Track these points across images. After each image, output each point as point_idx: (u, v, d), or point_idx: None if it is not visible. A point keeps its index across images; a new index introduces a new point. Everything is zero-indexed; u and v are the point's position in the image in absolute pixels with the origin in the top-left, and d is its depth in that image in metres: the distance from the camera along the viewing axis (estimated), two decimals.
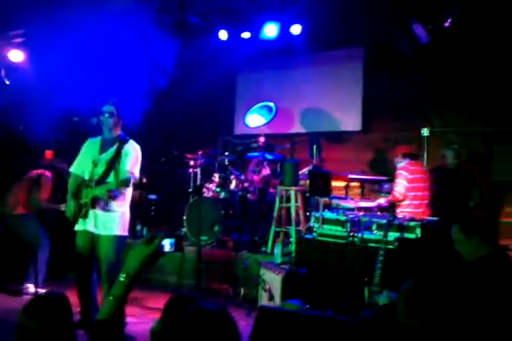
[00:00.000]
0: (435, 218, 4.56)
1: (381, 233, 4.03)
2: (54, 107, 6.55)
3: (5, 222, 5.22)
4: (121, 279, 1.57)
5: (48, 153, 6.42)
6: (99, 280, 3.84)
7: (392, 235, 4.06)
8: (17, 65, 7.17)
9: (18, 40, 7.11)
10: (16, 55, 7.09)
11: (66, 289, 3.84)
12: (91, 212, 3.73)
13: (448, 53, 5.90)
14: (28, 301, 1.91)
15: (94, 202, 3.69)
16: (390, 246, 3.98)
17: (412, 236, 4.07)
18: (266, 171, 6.16)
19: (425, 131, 6.00)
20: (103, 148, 3.85)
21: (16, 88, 7.18)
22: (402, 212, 4.75)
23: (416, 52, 5.69)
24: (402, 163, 5.00)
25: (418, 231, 4.05)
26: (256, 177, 6.06)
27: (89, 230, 3.77)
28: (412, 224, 4.11)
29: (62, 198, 4.58)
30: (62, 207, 4.49)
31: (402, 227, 4.09)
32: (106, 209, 3.73)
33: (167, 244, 1.63)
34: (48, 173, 5.18)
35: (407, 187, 4.83)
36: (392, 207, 5.02)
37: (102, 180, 3.71)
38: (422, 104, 6.35)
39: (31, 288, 4.82)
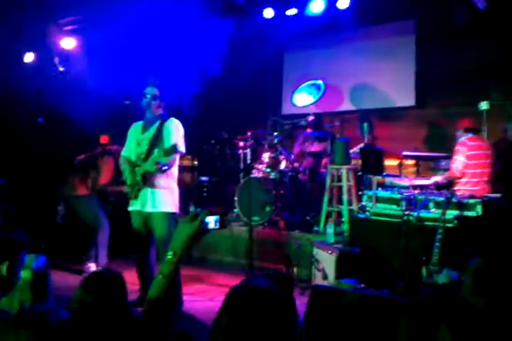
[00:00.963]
0: (497, 195, 4.34)
1: (439, 211, 3.90)
2: (107, 92, 6.72)
3: (68, 203, 5.46)
4: (169, 257, 1.58)
5: (104, 138, 6.60)
6: (157, 258, 3.93)
7: (451, 213, 3.91)
8: (70, 52, 7.37)
9: (70, 27, 7.28)
10: (68, 43, 7.28)
11: (127, 269, 3.99)
12: (142, 191, 3.79)
13: (507, 20, 5.52)
14: (85, 277, 1.99)
15: (145, 179, 3.75)
16: (449, 225, 3.84)
17: (472, 213, 3.90)
18: (315, 148, 6.08)
19: (484, 105, 5.69)
20: (145, 128, 3.92)
21: (70, 75, 7.40)
22: (460, 189, 4.57)
23: (472, 21, 5.38)
24: (462, 138, 4.79)
25: (479, 208, 3.88)
26: (305, 156, 6.00)
27: (141, 210, 3.85)
28: (472, 201, 3.94)
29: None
30: (124, 189, 4.62)
31: (461, 205, 3.93)
32: (156, 186, 3.78)
33: (212, 221, 1.64)
34: (106, 156, 5.33)
35: (466, 164, 4.63)
36: (450, 184, 4.85)
37: (146, 157, 3.77)
38: (480, 77, 6.00)
39: (93, 267, 5.02)
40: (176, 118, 3.99)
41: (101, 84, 7.01)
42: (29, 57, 7.46)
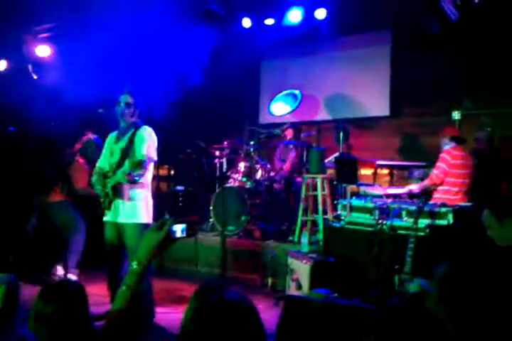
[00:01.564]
0: (467, 204, 4.39)
1: (411, 220, 3.91)
2: (82, 101, 6.63)
3: (42, 212, 5.34)
4: (134, 267, 1.54)
5: (78, 145, 6.50)
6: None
7: (423, 222, 3.93)
8: (44, 60, 7.27)
9: (45, 35, 7.20)
10: (43, 50, 7.19)
11: (99, 280, 3.89)
12: (114, 202, 3.73)
13: (479, 31, 5.65)
14: (44, 286, 1.92)
15: (116, 191, 3.69)
16: (421, 233, 3.86)
17: (443, 222, 3.93)
18: (292, 157, 6.09)
19: (456, 114, 5.77)
20: (118, 138, 3.86)
21: (44, 83, 7.29)
22: (440, 198, 4.58)
23: (445, 31, 5.47)
24: (446, 146, 4.83)
25: (450, 217, 3.91)
26: (285, 166, 5.99)
27: (114, 220, 3.78)
28: (444, 210, 3.97)
29: None
30: None
31: (433, 213, 3.96)
32: (127, 197, 3.72)
33: (178, 229, 1.60)
34: (80, 160, 5.25)
35: (447, 172, 4.67)
36: (424, 193, 4.87)
37: (117, 167, 3.72)
38: (453, 86, 6.11)
39: (60, 270, 4.91)
40: (152, 127, 3.94)
41: (76, 93, 6.93)
42: (1, 65, 7.34)
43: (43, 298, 1.83)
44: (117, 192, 3.69)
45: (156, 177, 4.22)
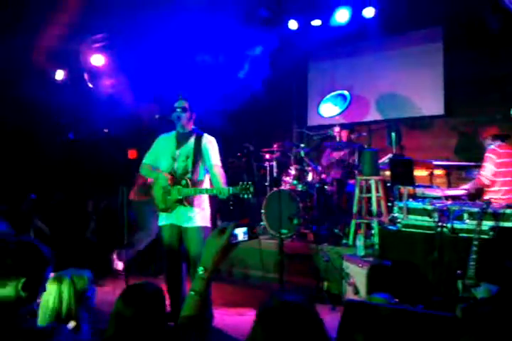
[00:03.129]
0: None
1: (473, 222, 3.75)
2: (137, 108, 6.81)
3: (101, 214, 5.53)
4: (200, 273, 1.56)
5: (132, 152, 6.67)
6: (187, 273, 3.89)
7: (486, 224, 3.76)
8: (99, 68, 7.52)
9: (100, 44, 7.44)
10: (98, 59, 7.43)
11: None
12: (179, 207, 3.76)
13: None
14: (125, 289, 1.95)
15: (188, 198, 3.73)
16: (485, 236, 3.69)
17: (509, 224, 3.75)
18: (342, 157, 6.00)
19: None
20: (179, 143, 3.87)
21: (99, 91, 7.54)
22: (491, 198, 4.41)
23: (504, 27, 5.24)
24: (491, 146, 4.66)
25: None
26: (333, 168, 5.91)
27: (175, 223, 3.82)
28: (509, 211, 3.78)
29: None
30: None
31: (497, 215, 3.78)
32: (193, 203, 3.77)
33: (240, 233, 1.61)
34: None
35: (496, 172, 4.48)
36: (479, 193, 4.70)
37: (185, 173, 3.76)
38: (509, 84, 5.85)
39: (120, 265, 5.05)
40: (201, 128, 3.99)
41: (131, 100, 7.13)
42: (59, 74, 7.63)
43: (124, 300, 1.85)
44: (189, 199, 3.74)
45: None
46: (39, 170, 7.30)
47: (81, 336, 2.27)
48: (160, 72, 6.99)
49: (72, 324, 2.33)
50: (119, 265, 5.01)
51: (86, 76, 7.41)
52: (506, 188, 4.54)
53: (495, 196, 4.50)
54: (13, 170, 7.15)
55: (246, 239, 1.63)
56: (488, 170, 4.54)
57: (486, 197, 4.51)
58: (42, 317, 2.27)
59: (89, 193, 6.65)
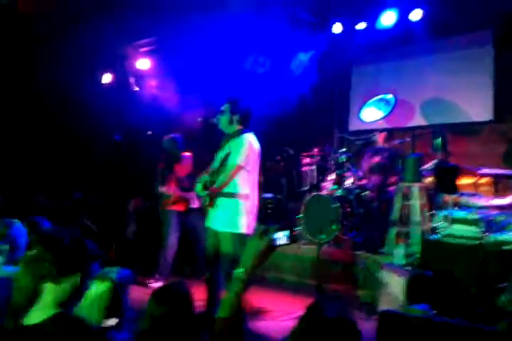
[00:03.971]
0: None
1: None
2: (183, 111, 6.91)
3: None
4: (239, 274, 1.56)
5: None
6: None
7: None
8: (145, 72, 7.70)
9: (146, 48, 7.63)
10: (144, 63, 7.61)
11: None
12: (210, 210, 3.77)
13: None
14: (157, 289, 1.97)
15: (211, 199, 3.73)
16: None
17: None
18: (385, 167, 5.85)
19: None
20: (221, 146, 3.87)
21: (145, 94, 7.72)
22: None
23: None
24: None
25: None
26: (373, 174, 5.78)
27: (212, 227, 3.79)
28: None
29: None
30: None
31: None
32: (222, 206, 3.72)
33: (281, 236, 1.60)
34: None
35: None
36: None
37: (214, 176, 3.75)
38: None
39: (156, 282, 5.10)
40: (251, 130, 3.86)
41: (176, 103, 7.25)
42: (107, 78, 7.86)
43: (157, 299, 1.88)
44: (211, 200, 3.74)
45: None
46: (86, 170, 7.55)
47: (122, 334, 2.29)
48: (207, 75, 7.08)
49: (113, 321, 2.35)
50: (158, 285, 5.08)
51: (132, 79, 7.61)
52: None
53: None
54: (61, 170, 7.43)
55: (288, 242, 1.63)
56: None
57: None
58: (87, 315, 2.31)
59: (132, 194, 6.80)
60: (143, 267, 5.42)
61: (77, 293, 1.68)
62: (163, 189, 5.19)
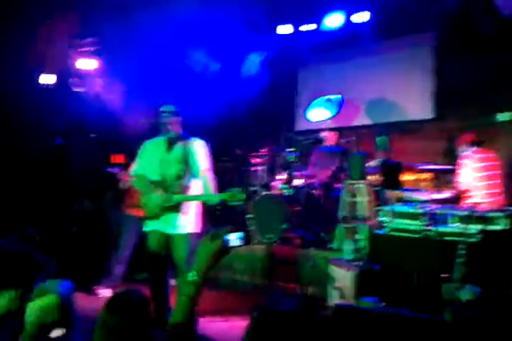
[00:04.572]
0: None
1: (460, 226, 3.73)
2: (126, 112, 6.76)
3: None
4: (193, 278, 1.53)
5: (118, 157, 6.59)
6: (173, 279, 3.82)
7: (473, 228, 3.74)
8: (89, 72, 7.47)
9: (91, 48, 7.41)
10: (87, 63, 7.37)
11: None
12: (167, 213, 3.68)
13: None
14: (110, 298, 1.89)
15: (178, 205, 3.65)
16: (472, 240, 3.66)
17: (496, 227, 3.72)
18: (330, 163, 5.97)
19: (504, 116, 5.54)
20: (169, 148, 3.80)
21: (89, 95, 7.48)
22: (476, 203, 4.42)
23: (495, 31, 5.26)
24: (466, 152, 4.71)
25: (503, 222, 3.69)
26: (320, 172, 5.87)
27: (163, 231, 3.72)
28: (496, 214, 3.76)
29: None
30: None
31: (484, 219, 3.76)
32: (181, 210, 3.68)
33: (234, 238, 1.58)
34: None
35: (476, 177, 4.51)
36: (458, 198, 4.72)
37: (176, 179, 3.68)
38: (500, 88, 5.86)
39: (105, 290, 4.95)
40: (192, 135, 3.89)
41: (120, 105, 7.08)
42: (49, 78, 7.56)
43: (109, 309, 1.81)
44: (179, 206, 3.65)
45: None
46: (25, 175, 7.20)
47: None
48: (153, 76, 6.96)
49: (59, 332, 2.25)
50: (107, 292, 4.91)
51: (73, 80, 7.37)
52: (490, 191, 4.54)
53: (481, 200, 4.50)
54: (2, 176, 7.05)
55: (241, 243, 1.61)
56: (463, 176, 4.57)
57: (472, 200, 4.51)
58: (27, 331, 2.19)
59: (77, 196, 6.58)
60: (88, 273, 5.24)
61: (21, 306, 1.61)
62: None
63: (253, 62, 7.38)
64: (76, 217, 5.90)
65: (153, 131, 3.97)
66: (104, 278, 5.03)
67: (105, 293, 4.84)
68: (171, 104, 3.84)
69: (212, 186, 3.67)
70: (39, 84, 7.38)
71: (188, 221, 3.70)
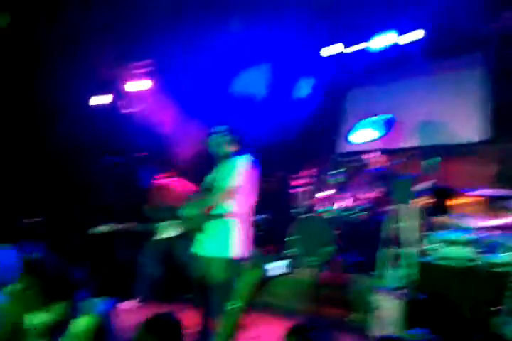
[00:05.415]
0: None
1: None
2: (180, 135, 6.91)
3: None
4: (234, 308, 1.51)
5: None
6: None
7: None
8: (143, 93, 7.73)
9: (143, 70, 7.68)
10: (141, 85, 7.63)
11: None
12: (201, 234, 3.62)
13: None
14: (148, 319, 1.92)
15: (201, 223, 3.62)
16: None
17: None
18: (377, 186, 5.83)
19: None
20: (217, 168, 3.80)
21: (141, 116, 7.71)
22: None
23: None
24: None
25: None
26: (365, 195, 5.74)
27: (201, 253, 3.60)
28: None
29: None
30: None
31: None
32: (211, 231, 3.58)
33: (275, 267, 1.54)
34: None
35: None
36: None
37: (208, 200, 3.66)
38: None
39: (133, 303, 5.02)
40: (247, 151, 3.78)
41: (174, 126, 7.25)
42: (103, 99, 7.87)
43: (148, 329, 1.84)
44: (210, 226, 3.58)
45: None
46: (72, 192, 7.41)
47: None
48: (204, 98, 7.10)
49: None
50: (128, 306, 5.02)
51: (124, 101, 7.64)
52: None
53: None
54: (50, 192, 7.32)
55: (285, 271, 1.57)
56: None
57: None
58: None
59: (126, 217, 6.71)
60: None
61: (64, 321, 1.65)
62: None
63: (304, 85, 7.41)
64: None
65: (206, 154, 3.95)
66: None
67: (126, 306, 4.94)
68: (223, 124, 3.83)
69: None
70: (93, 105, 7.69)
71: (224, 243, 3.47)
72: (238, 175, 3.58)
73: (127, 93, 7.77)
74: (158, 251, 5.27)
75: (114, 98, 7.98)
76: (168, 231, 4.95)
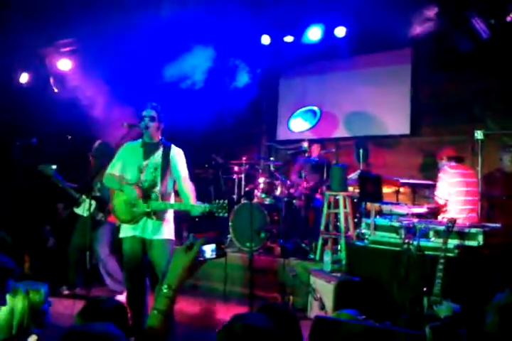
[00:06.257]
0: (496, 225, 4.30)
1: (439, 240, 3.83)
2: (102, 114, 6.65)
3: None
4: (164, 291, 1.49)
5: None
6: (150, 286, 3.78)
7: (452, 242, 3.85)
8: (65, 73, 7.34)
9: (67, 49, 7.27)
10: (65, 64, 7.25)
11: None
12: (145, 219, 3.64)
13: (508, 50, 5.56)
14: (84, 305, 1.87)
15: (154, 212, 3.61)
16: (450, 254, 3.77)
17: (473, 243, 3.85)
18: (312, 174, 6.04)
19: (479, 134, 5.72)
20: (146, 154, 3.74)
21: (64, 96, 7.33)
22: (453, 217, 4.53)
23: (473, 50, 5.45)
24: (444, 166, 4.84)
25: (480, 238, 3.83)
26: (302, 183, 5.93)
27: (139, 235, 3.69)
28: (474, 230, 3.89)
29: None
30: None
31: (462, 234, 3.88)
32: (160, 216, 3.67)
33: (208, 250, 1.55)
34: None
35: (452, 192, 4.62)
36: (438, 212, 4.84)
37: (153, 185, 3.65)
38: (476, 106, 6.08)
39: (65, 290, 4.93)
40: (172, 142, 3.88)
41: (96, 107, 6.96)
42: (24, 78, 7.40)
43: (83, 316, 1.79)
44: (157, 212, 3.61)
45: (175, 192, 4.13)
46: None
47: None
48: (133, 79, 6.87)
49: (32, 338, 2.22)
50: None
51: (52, 80, 7.22)
52: (463, 207, 4.64)
53: (453, 215, 4.61)
54: None
55: (214, 256, 1.57)
56: (440, 190, 4.68)
57: (441, 215, 4.63)
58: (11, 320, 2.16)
59: (54, 198, 6.41)
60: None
61: None
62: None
63: (241, 71, 7.40)
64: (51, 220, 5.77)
65: (133, 135, 3.92)
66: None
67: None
68: (153, 109, 3.78)
69: (192, 195, 3.65)
70: (19, 83, 7.21)
71: (166, 227, 3.68)
72: (185, 166, 3.76)
73: (54, 72, 7.35)
74: (84, 237, 5.07)
75: (37, 77, 7.51)
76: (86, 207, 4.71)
